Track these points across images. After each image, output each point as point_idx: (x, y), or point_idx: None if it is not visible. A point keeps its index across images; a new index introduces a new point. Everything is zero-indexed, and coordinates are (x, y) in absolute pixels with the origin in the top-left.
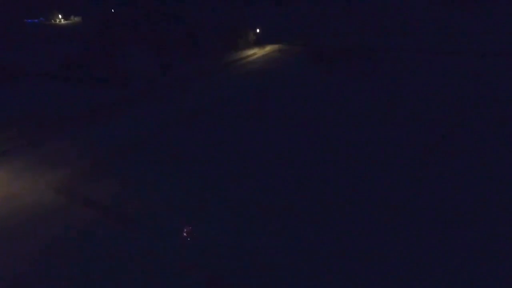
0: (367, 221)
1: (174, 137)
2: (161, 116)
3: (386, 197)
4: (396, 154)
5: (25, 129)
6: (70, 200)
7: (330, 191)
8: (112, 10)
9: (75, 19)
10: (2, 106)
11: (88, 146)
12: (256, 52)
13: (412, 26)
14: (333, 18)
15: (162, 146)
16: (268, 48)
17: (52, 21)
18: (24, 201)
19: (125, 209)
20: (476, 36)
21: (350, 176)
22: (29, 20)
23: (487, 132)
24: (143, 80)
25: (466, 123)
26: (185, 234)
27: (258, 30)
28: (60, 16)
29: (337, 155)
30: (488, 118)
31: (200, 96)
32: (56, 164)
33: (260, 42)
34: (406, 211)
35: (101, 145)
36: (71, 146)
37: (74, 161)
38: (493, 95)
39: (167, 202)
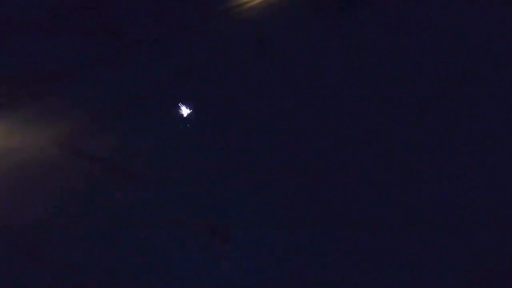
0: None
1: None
2: (161, 70)
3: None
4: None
5: (18, 83)
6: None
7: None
8: None
9: None
10: None
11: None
12: None
13: None
14: None
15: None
16: None
17: None
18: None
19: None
20: None
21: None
22: None
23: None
24: (137, 29)
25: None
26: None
27: None
28: None
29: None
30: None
31: (196, 48)
32: (55, 119)
33: None
34: None
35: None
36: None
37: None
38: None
39: None
